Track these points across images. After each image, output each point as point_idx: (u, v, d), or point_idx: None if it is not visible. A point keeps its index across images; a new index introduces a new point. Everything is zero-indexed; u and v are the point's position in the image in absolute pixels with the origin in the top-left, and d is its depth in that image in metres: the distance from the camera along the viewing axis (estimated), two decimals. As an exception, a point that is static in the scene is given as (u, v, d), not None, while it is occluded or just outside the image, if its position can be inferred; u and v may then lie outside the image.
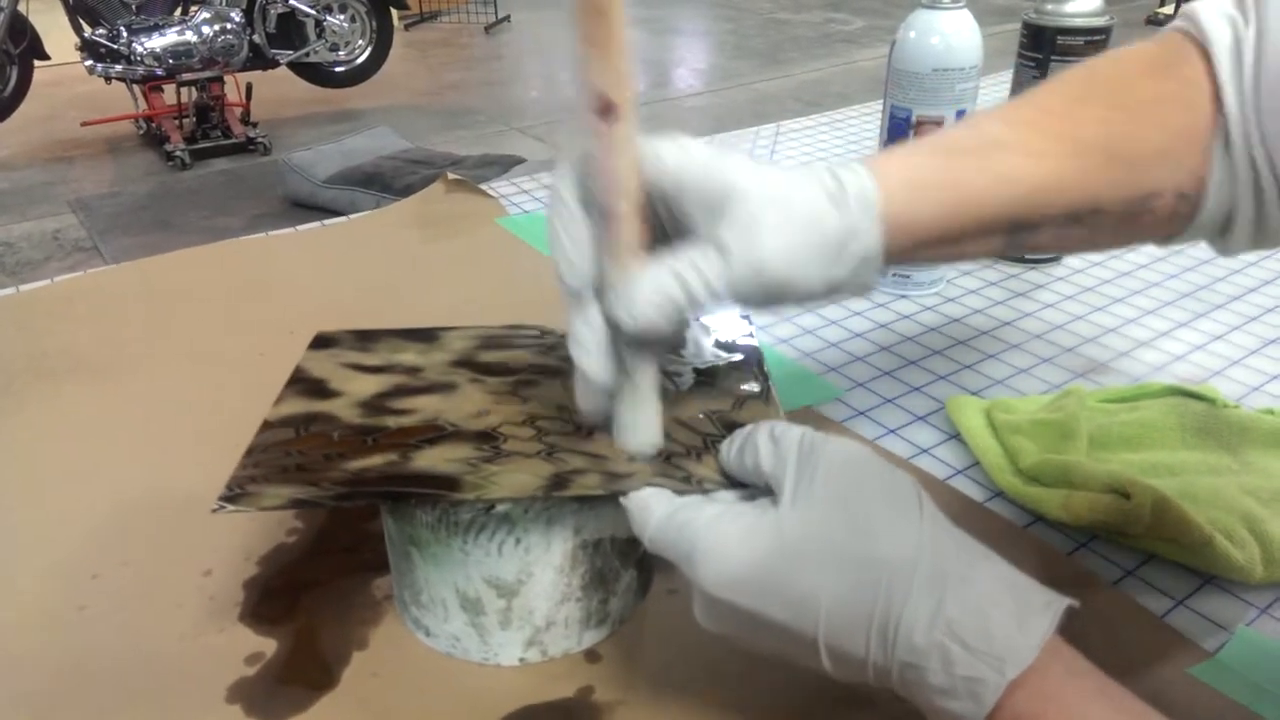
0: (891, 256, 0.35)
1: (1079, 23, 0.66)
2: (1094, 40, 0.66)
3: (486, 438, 0.38)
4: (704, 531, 0.30)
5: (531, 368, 0.44)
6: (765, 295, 0.33)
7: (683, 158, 0.33)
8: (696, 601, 0.32)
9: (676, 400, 0.41)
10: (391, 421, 0.40)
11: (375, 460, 0.37)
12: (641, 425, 0.37)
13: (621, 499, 0.34)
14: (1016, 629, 0.27)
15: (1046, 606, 0.28)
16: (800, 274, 0.33)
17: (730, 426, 0.38)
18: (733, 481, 0.35)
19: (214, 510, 0.35)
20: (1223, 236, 0.37)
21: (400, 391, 0.42)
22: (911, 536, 0.28)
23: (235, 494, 0.35)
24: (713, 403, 0.41)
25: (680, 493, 0.34)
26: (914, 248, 0.35)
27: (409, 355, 0.45)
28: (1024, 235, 0.36)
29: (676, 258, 0.33)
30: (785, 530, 0.29)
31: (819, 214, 0.33)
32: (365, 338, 0.47)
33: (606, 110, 0.32)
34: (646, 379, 0.36)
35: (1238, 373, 0.59)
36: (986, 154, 0.35)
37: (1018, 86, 0.70)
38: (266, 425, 0.40)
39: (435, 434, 0.39)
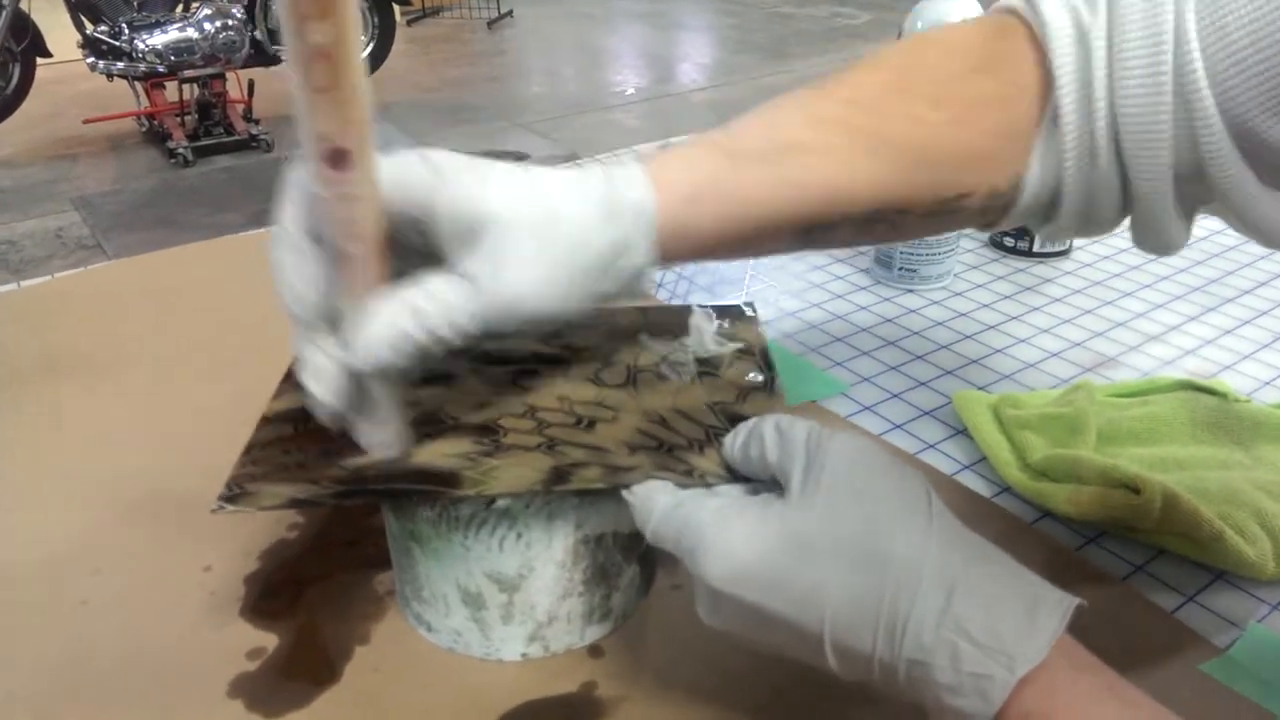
0: (668, 261, 0.35)
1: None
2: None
3: (486, 430, 0.38)
4: (709, 525, 0.30)
5: (532, 356, 0.43)
6: (519, 323, 0.32)
7: (433, 182, 0.32)
8: (700, 597, 0.31)
9: (679, 391, 0.40)
10: None
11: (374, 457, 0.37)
12: (380, 440, 0.36)
13: (624, 492, 0.34)
14: (1026, 626, 0.27)
15: (1057, 604, 0.27)
16: (559, 301, 0.32)
17: (734, 418, 0.38)
18: (736, 475, 0.34)
19: (214, 510, 0.35)
20: (1045, 224, 0.38)
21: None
22: (920, 533, 0.28)
23: (235, 493, 0.35)
24: (716, 394, 0.40)
25: (683, 485, 0.34)
26: (694, 254, 0.35)
27: None
28: (819, 235, 0.36)
29: (416, 288, 0.31)
30: (792, 525, 0.29)
31: (586, 235, 0.32)
32: None
33: (337, 159, 0.29)
34: (387, 398, 0.35)
35: (1249, 367, 0.59)
36: (778, 159, 0.34)
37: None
38: (265, 421, 0.40)
39: (435, 427, 0.38)
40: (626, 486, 0.34)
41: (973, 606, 0.27)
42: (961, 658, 0.26)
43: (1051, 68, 0.34)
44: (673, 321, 0.45)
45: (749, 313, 0.47)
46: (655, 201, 0.33)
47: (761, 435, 0.32)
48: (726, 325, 0.45)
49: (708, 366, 0.42)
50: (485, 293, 0.31)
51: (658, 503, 0.32)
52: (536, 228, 0.31)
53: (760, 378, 0.41)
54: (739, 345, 0.44)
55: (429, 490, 0.35)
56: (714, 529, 0.30)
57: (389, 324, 0.31)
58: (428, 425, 0.38)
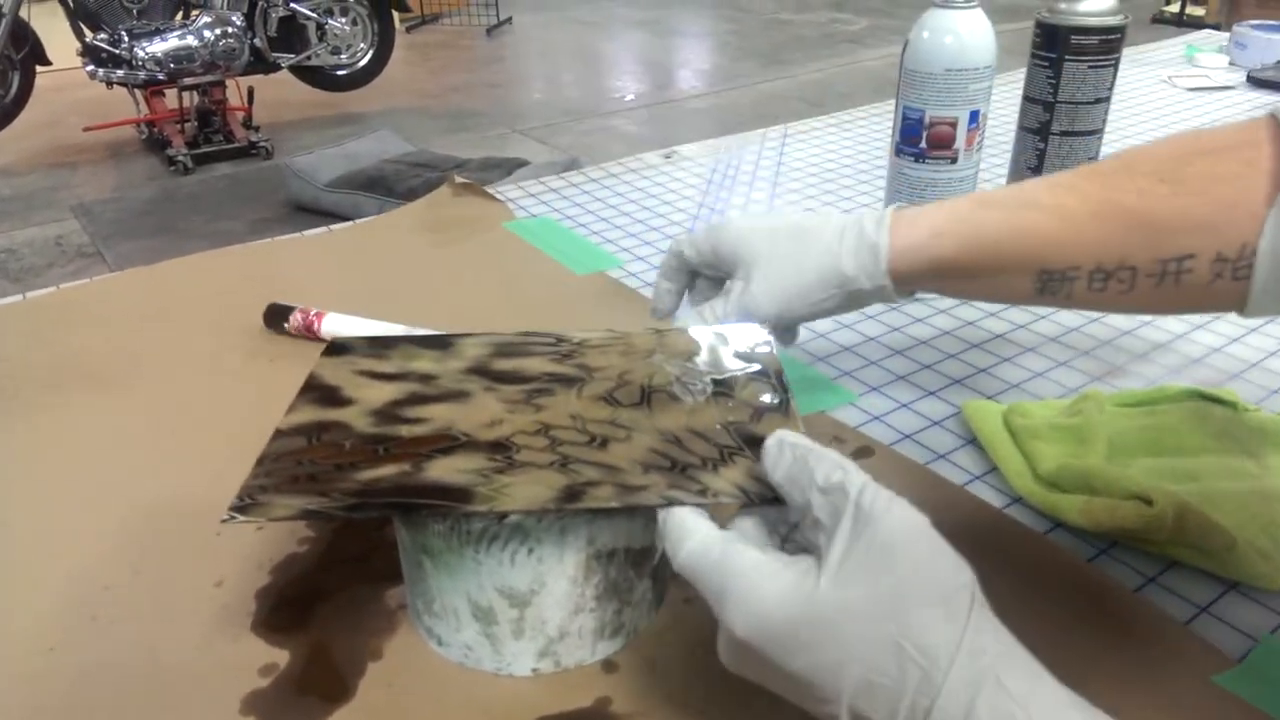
0: (910, 286, 0.46)
1: (1093, 22, 0.65)
2: (1108, 39, 0.65)
3: (499, 447, 0.38)
4: (740, 578, 0.30)
5: (546, 376, 0.43)
6: (763, 320, 0.47)
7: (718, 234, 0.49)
8: (723, 640, 0.31)
9: (693, 411, 0.40)
10: (404, 430, 0.40)
11: (387, 470, 0.37)
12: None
13: (660, 515, 0.33)
14: None
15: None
16: (788, 311, 0.47)
17: (748, 438, 0.37)
18: (750, 496, 0.34)
19: (224, 520, 0.34)
20: None
21: (413, 400, 0.42)
22: (954, 634, 0.27)
23: (246, 504, 0.35)
24: (730, 414, 0.40)
25: (697, 505, 0.33)
26: (934, 276, 0.45)
27: (423, 363, 0.45)
28: (1053, 284, 0.42)
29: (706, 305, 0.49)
30: (826, 599, 0.28)
31: (819, 260, 0.46)
32: (380, 345, 0.47)
33: None
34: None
35: (1256, 375, 0.59)
36: (1015, 209, 0.42)
37: (1030, 86, 0.70)
38: (279, 433, 0.40)
39: (448, 444, 0.38)
40: (639, 506, 0.34)
41: (995, 713, 0.26)
42: None
43: None
44: (687, 343, 0.46)
45: (764, 334, 0.46)
46: (889, 237, 0.45)
47: (811, 482, 0.31)
48: (741, 348, 0.45)
49: (722, 387, 0.42)
50: (734, 303, 0.47)
51: (692, 534, 0.32)
52: (774, 258, 0.47)
53: (775, 399, 0.41)
54: (754, 367, 0.44)
55: (440, 505, 0.35)
56: (744, 582, 0.30)
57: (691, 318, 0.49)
58: (440, 442, 0.38)
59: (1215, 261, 0.38)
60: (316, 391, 0.43)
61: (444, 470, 0.36)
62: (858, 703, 0.28)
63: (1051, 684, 0.28)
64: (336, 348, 0.47)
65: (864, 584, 0.28)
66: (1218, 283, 0.38)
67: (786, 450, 0.33)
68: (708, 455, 0.37)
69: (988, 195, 0.44)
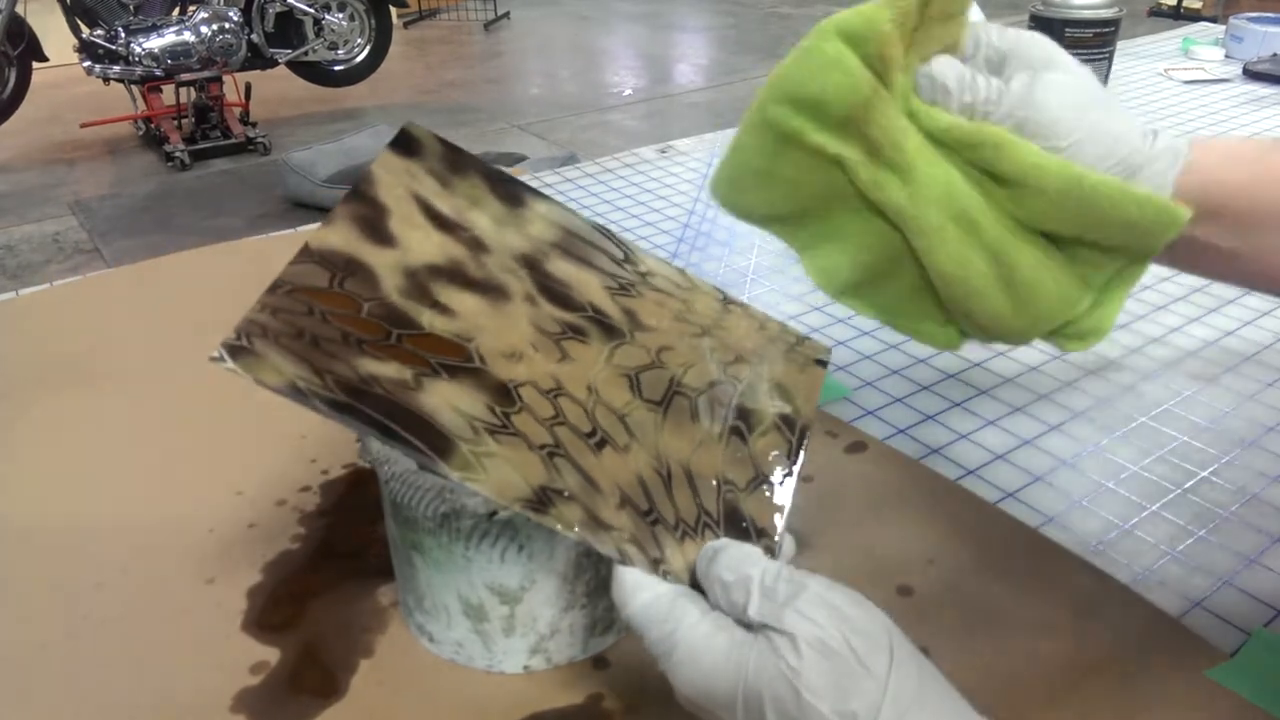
0: (1201, 222, 0.35)
1: (1087, 14, 0.65)
2: (1103, 32, 0.65)
3: (504, 395, 0.35)
4: (685, 636, 0.31)
5: (591, 308, 0.39)
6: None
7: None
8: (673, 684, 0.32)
9: (702, 442, 0.37)
10: (427, 318, 0.36)
11: (389, 369, 0.34)
12: None
13: (615, 566, 0.33)
14: None
15: None
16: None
17: (730, 513, 0.36)
18: (694, 585, 0.33)
19: (211, 359, 0.31)
20: None
21: (453, 274, 0.38)
22: (875, 696, 0.28)
23: (240, 347, 0.32)
24: (732, 467, 0.37)
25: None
26: (1230, 216, 0.36)
27: (484, 217, 0.40)
28: None
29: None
30: (754, 670, 0.29)
31: (1123, 132, 0.35)
32: (451, 163, 0.41)
33: None
34: None
35: (1251, 369, 0.59)
36: None
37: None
38: (305, 252, 0.36)
39: (460, 360, 0.35)
40: (594, 547, 0.33)
41: None
42: None
43: None
44: (744, 332, 0.42)
45: (824, 361, 0.44)
46: (1189, 149, 0.35)
47: (718, 579, 0.32)
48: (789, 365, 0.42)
49: (744, 420, 0.39)
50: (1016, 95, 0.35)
51: (642, 591, 0.32)
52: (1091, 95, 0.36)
53: (782, 472, 0.38)
54: (786, 410, 0.40)
55: (418, 448, 0.32)
56: (689, 642, 0.31)
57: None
58: (453, 353, 0.35)
59: None
60: (363, 204, 0.38)
61: (441, 400, 0.34)
62: None
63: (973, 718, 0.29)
64: (405, 141, 0.41)
65: (789, 661, 0.29)
66: None
67: (702, 559, 0.33)
68: (684, 517, 0.35)
69: (1271, 140, 0.37)
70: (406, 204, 0.39)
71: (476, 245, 0.39)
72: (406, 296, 0.36)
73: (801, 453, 0.39)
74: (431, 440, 0.32)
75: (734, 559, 0.32)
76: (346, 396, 0.32)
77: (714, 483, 0.36)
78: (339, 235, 0.37)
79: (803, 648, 0.29)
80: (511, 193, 0.42)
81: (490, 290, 0.38)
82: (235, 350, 0.32)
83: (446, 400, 0.34)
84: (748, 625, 0.31)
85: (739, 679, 0.30)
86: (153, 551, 0.45)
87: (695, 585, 0.33)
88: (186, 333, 0.64)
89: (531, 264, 0.40)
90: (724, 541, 0.33)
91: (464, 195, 0.41)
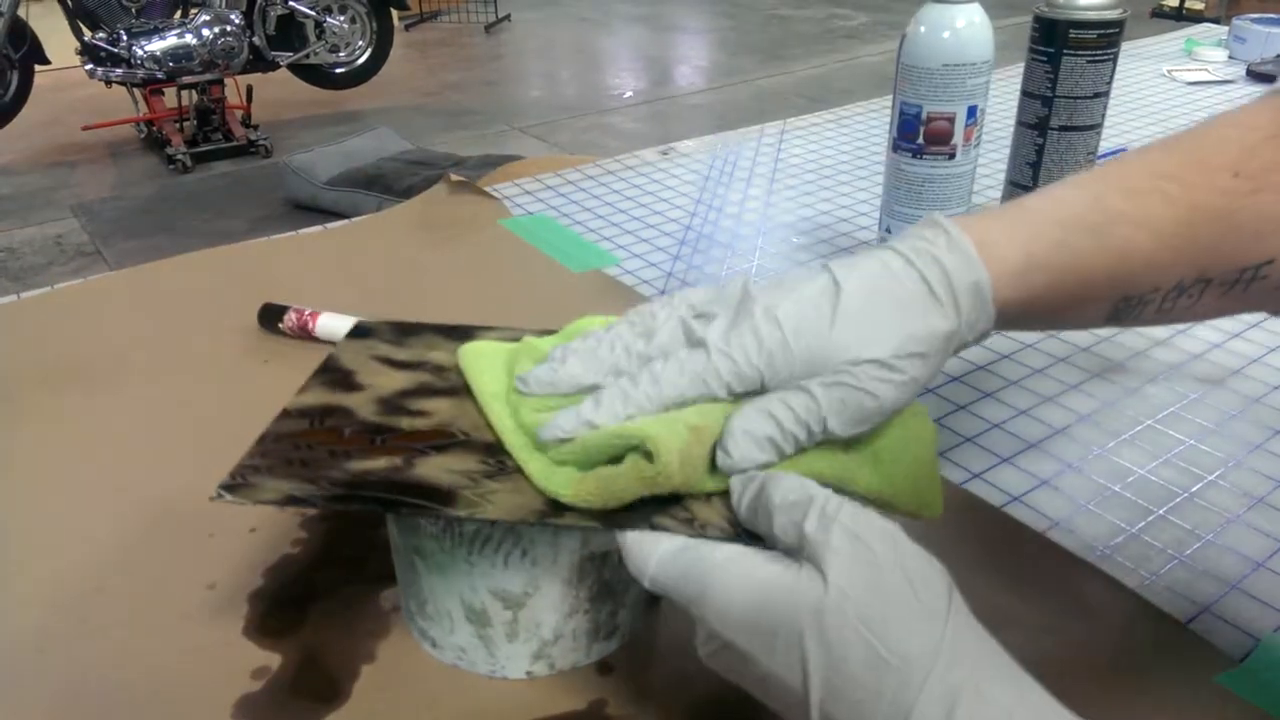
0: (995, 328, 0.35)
1: (1092, 15, 0.65)
2: (1107, 34, 0.65)
3: (494, 450, 0.37)
4: (717, 570, 0.29)
5: None
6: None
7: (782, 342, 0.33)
8: (700, 636, 0.31)
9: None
10: (405, 422, 0.39)
11: (379, 463, 0.36)
12: None
13: (618, 536, 0.33)
14: None
15: None
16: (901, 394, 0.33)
17: None
18: (740, 531, 0.32)
19: (211, 499, 0.34)
20: None
21: (421, 391, 0.41)
22: (933, 638, 0.26)
23: (236, 484, 0.35)
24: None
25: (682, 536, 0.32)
26: (1013, 322, 0.35)
27: (440, 353, 0.44)
28: (1127, 311, 0.36)
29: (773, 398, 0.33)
30: (800, 594, 0.28)
31: (929, 343, 0.33)
32: (403, 331, 0.46)
33: None
34: None
35: (1258, 371, 0.58)
36: (1106, 230, 0.34)
37: (1028, 81, 0.69)
38: (285, 414, 0.39)
39: (444, 440, 0.38)
40: (622, 528, 0.33)
41: None
42: None
43: None
44: None
45: None
46: (991, 283, 0.33)
47: (769, 507, 0.31)
48: None
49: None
50: (866, 405, 0.33)
51: (659, 546, 0.31)
52: (902, 345, 0.32)
53: None
54: None
55: (422, 505, 0.34)
56: (723, 574, 0.29)
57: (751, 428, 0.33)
58: (437, 437, 0.38)
59: None
60: (331, 374, 0.42)
61: (434, 469, 0.36)
62: (830, 708, 0.27)
63: (1036, 692, 0.27)
64: (361, 330, 0.46)
65: (841, 584, 0.27)
66: None
67: (748, 489, 0.32)
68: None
69: (1063, 209, 0.35)
70: (369, 363, 0.44)
71: (437, 370, 0.43)
72: (383, 415, 0.39)
73: None
74: (432, 496, 0.34)
75: (793, 483, 0.31)
76: (341, 489, 0.35)
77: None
78: (312, 395, 0.41)
79: (857, 575, 0.27)
80: (464, 333, 0.45)
81: (460, 391, 0.41)
82: (232, 488, 0.35)
83: (439, 467, 0.36)
84: (790, 555, 0.29)
85: (784, 606, 0.28)
86: (153, 555, 0.45)
87: (732, 536, 0.32)
88: (188, 335, 0.64)
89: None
90: (771, 473, 0.32)
91: (418, 346, 0.45)
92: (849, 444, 0.34)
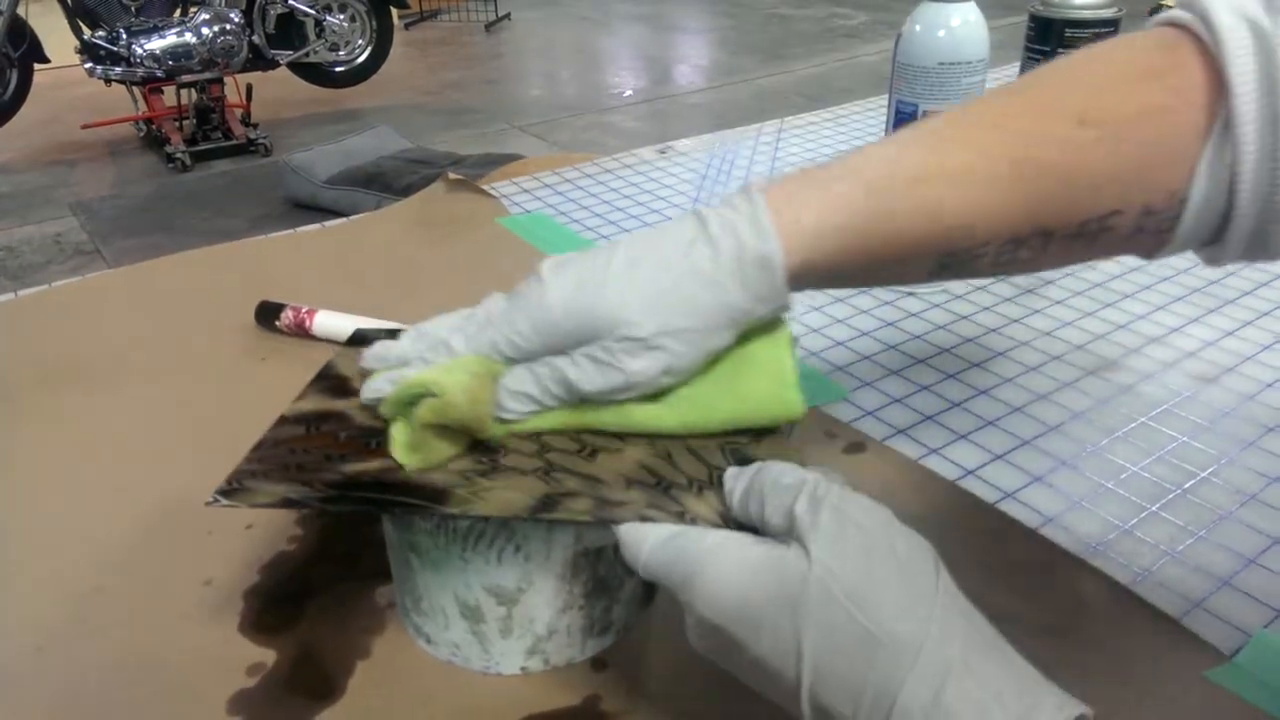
0: (797, 290, 0.35)
1: (1087, 14, 0.65)
2: (1103, 32, 0.65)
3: (487, 449, 0.37)
4: (707, 556, 0.30)
5: None
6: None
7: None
8: (689, 623, 0.31)
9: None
10: None
11: (372, 465, 0.37)
12: None
13: (615, 530, 0.33)
14: None
15: (1057, 710, 0.25)
16: (687, 367, 0.35)
17: (743, 461, 0.36)
18: (731, 523, 0.33)
19: (208, 504, 0.35)
20: (1209, 248, 0.35)
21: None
22: (921, 615, 0.26)
23: (232, 489, 0.35)
24: (734, 437, 0.38)
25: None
26: (823, 284, 0.36)
27: None
28: (957, 266, 0.35)
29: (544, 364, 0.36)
30: (788, 574, 0.28)
31: (718, 315, 0.34)
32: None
33: None
34: None
35: (1250, 369, 0.59)
36: (913, 191, 0.33)
37: (1024, 80, 0.69)
38: (282, 420, 0.40)
39: None
40: (614, 522, 0.33)
41: (965, 702, 0.25)
42: None
43: (1227, 74, 0.31)
44: None
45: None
46: (783, 253, 0.33)
47: (761, 490, 0.31)
48: None
49: None
50: (613, 377, 0.35)
51: (650, 535, 0.31)
52: (666, 322, 0.34)
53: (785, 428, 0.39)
54: None
55: (415, 504, 0.34)
56: (711, 560, 0.29)
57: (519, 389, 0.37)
58: None
59: (1141, 215, 0.33)
60: (328, 380, 0.43)
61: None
62: (820, 690, 0.27)
63: (1023, 667, 0.27)
64: (358, 338, 0.47)
65: (829, 564, 0.27)
66: (1138, 236, 0.34)
67: (741, 479, 0.32)
68: (695, 476, 0.35)
69: (871, 169, 0.34)
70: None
71: None
72: (378, 419, 0.39)
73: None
74: (425, 495, 0.35)
75: (784, 469, 0.31)
76: (335, 491, 0.35)
77: (716, 447, 0.37)
78: (309, 402, 0.41)
79: (844, 554, 0.27)
80: None
81: None
82: (228, 493, 0.35)
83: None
84: (781, 540, 0.29)
85: (772, 586, 0.28)
86: (150, 554, 0.45)
87: (727, 528, 0.32)
88: (187, 334, 0.64)
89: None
90: (764, 462, 0.32)
91: None
92: (701, 379, 0.36)
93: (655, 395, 0.36)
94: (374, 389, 0.38)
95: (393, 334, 0.47)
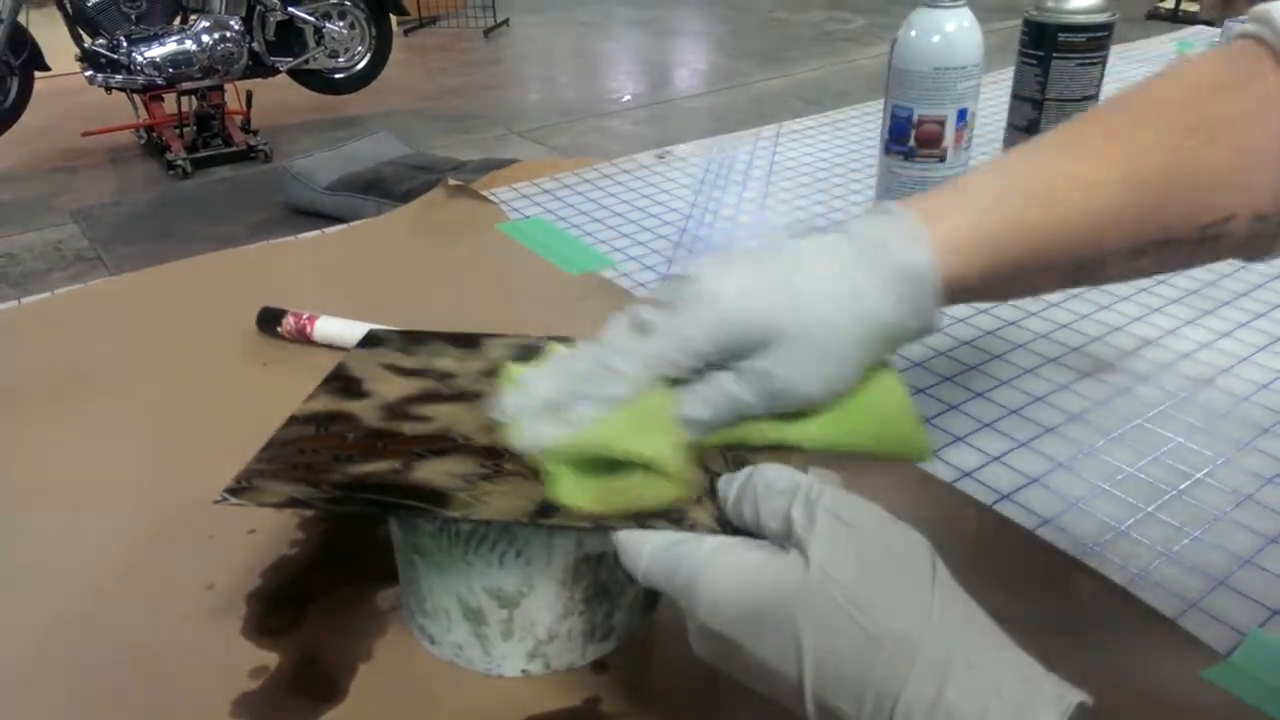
0: (950, 304, 0.36)
1: (1081, 19, 0.65)
2: (1096, 37, 0.65)
3: (492, 454, 0.38)
4: (706, 561, 0.30)
5: None
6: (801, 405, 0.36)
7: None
8: (690, 628, 0.31)
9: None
10: (407, 428, 0.40)
11: (379, 466, 0.37)
12: None
13: (614, 537, 0.33)
14: None
15: (1057, 700, 0.26)
16: (841, 385, 0.35)
17: (742, 466, 0.35)
18: (729, 528, 0.33)
19: (216, 502, 0.35)
20: None
21: (426, 397, 0.42)
22: (920, 612, 0.27)
23: (240, 488, 0.36)
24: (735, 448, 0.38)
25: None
26: (965, 299, 0.36)
27: (447, 361, 0.45)
28: (1088, 272, 0.37)
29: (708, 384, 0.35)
30: (785, 577, 0.28)
31: (871, 328, 0.34)
32: (412, 339, 0.47)
33: None
34: None
35: (1246, 370, 0.59)
36: (1053, 200, 0.35)
37: (1019, 84, 0.70)
38: (292, 420, 0.40)
39: (444, 444, 0.38)
40: (612, 528, 0.33)
41: (966, 697, 0.25)
42: None
43: None
44: None
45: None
46: (937, 264, 0.34)
47: (754, 492, 0.31)
48: None
49: None
50: (769, 390, 0.35)
51: (649, 541, 0.32)
52: (822, 336, 0.34)
53: None
54: None
55: (416, 507, 0.35)
56: (711, 565, 0.30)
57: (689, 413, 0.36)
58: (437, 442, 0.39)
59: (1252, 219, 0.35)
60: (339, 381, 0.43)
61: (432, 472, 0.37)
62: (823, 691, 0.27)
63: (1021, 657, 0.27)
64: (371, 339, 0.47)
65: (825, 564, 0.28)
66: (1252, 242, 0.36)
67: (734, 483, 0.33)
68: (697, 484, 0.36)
69: (1011, 181, 0.36)
70: (377, 371, 0.45)
71: (443, 377, 0.44)
72: (387, 421, 0.40)
73: None
74: (428, 498, 0.35)
75: (778, 473, 0.31)
76: (340, 492, 0.36)
77: (718, 452, 0.37)
78: (319, 402, 0.42)
79: (841, 556, 0.27)
80: (470, 341, 0.47)
81: (464, 397, 0.42)
82: (236, 491, 0.36)
83: (437, 470, 0.37)
84: (778, 544, 0.30)
85: (772, 590, 0.28)
86: (153, 557, 0.45)
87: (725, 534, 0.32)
88: (188, 340, 0.65)
89: (495, 373, 0.43)
90: (757, 465, 0.33)
91: (426, 354, 0.46)
92: (849, 399, 0.36)
93: (807, 413, 0.36)
94: (538, 436, 0.35)
95: (405, 335, 0.47)
